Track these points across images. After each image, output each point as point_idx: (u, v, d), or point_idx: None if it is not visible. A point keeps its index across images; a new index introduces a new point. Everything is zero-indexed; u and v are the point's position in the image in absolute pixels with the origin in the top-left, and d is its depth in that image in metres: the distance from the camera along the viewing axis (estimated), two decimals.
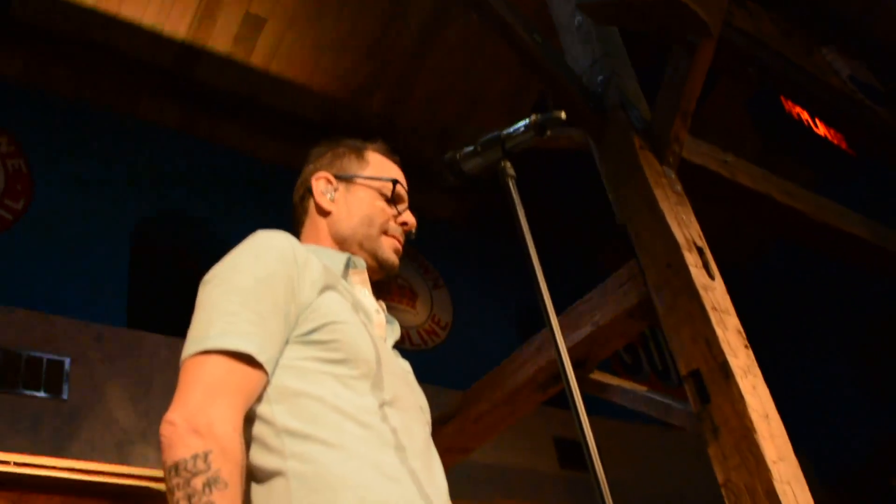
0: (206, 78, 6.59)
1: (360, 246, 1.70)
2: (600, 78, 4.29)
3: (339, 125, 6.97)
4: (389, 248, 1.72)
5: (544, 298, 1.43)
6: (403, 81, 7.05)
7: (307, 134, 6.91)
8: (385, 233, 1.72)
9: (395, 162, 1.85)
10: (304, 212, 1.77)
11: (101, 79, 6.36)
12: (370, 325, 1.54)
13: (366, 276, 1.69)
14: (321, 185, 1.75)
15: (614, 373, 6.91)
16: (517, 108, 7.38)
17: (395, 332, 1.69)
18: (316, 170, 1.79)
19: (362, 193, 1.75)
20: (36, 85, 6.21)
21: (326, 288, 1.47)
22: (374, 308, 1.66)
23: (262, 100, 6.83)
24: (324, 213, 1.73)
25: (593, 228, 8.10)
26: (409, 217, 1.78)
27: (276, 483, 1.31)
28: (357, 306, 1.54)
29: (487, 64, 7.03)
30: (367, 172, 1.78)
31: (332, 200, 1.74)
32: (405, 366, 1.66)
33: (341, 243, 1.71)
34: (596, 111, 4.18)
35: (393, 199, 1.77)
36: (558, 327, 1.40)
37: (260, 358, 1.34)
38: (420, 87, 7.12)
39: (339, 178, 1.77)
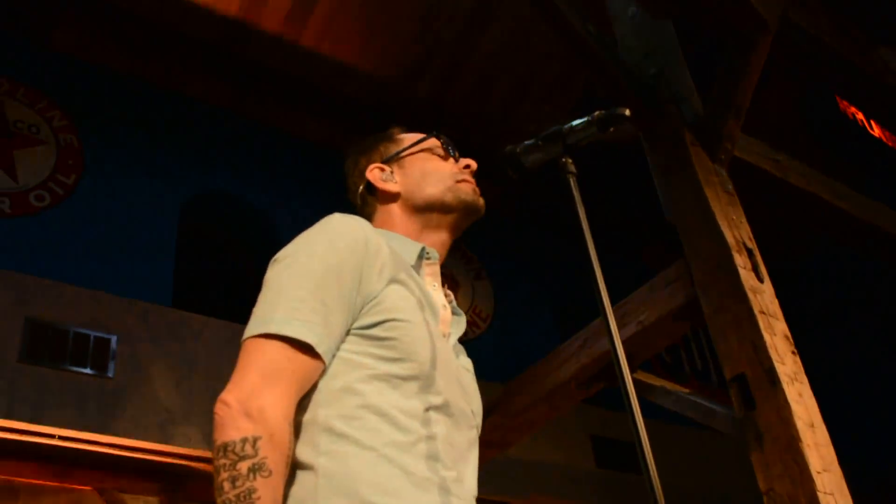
0: (256, 57, 6.61)
1: (444, 201, 1.68)
2: (653, 71, 4.24)
3: (388, 108, 6.96)
4: (470, 191, 1.70)
5: (603, 299, 1.39)
6: (452, 66, 7.01)
7: (356, 115, 6.92)
8: (457, 181, 1.71)
9: (420, 131, 1.84)
10: (372, 209, 1.74)
11: (152, 55, 6.40)
12: (434, 323, 1.51)
13: (437, 268, 1.66)
14: (377, 174, 1.73)
15: (654, 372, 6.87)
16: (565, 97, 7.32)
17: (460, 326, 1.66)
18: (363, 168, 1.77)
19: (416, 162, 1.74)
20: (89, 60, 6.27)
21: (393, 280, 1.45)
22: (442, 303, 1.62)
23: (312, 80, 6.83)
24: (392, 197, 1.71)
25: (637, 224, 8.04)
26: (467, 160, 1.76)
27: (305, 476, 1.30)
28: (424, 302, 1.51)
29: (536, 52, 6.98)
30: (407, 144, 1.78)
31: (396, 182, 1.72)
32: (466, 364, 1.62)
33: (429, 212, 1.68)
34: (647, 105, 4.13)
35: (444, 154, 1.76)
36: (616, 329, 1.37)
37: (320, 349, 1.33)
38: (468, 72, 7.08)
39: (386, 161, 1.75)
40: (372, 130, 1.86)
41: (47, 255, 5.21)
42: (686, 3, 4.07)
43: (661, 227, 4.01)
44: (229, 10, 6.34)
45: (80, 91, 6.10)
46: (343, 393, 1.36)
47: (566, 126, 1.55)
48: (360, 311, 1.41)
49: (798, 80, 5.45)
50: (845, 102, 5.14)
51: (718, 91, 4.02)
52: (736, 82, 3.96)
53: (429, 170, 1.72)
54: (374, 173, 1.74)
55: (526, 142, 1.60)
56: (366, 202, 1.76)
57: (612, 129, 1.52)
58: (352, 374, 1.37)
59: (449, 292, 1.70)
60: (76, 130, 5.91)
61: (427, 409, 1.40)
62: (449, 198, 1.68)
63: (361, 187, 1.76)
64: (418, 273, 1.60)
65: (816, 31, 5.13)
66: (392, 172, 1.74)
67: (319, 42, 6.66)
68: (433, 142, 1.78)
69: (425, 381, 1.41)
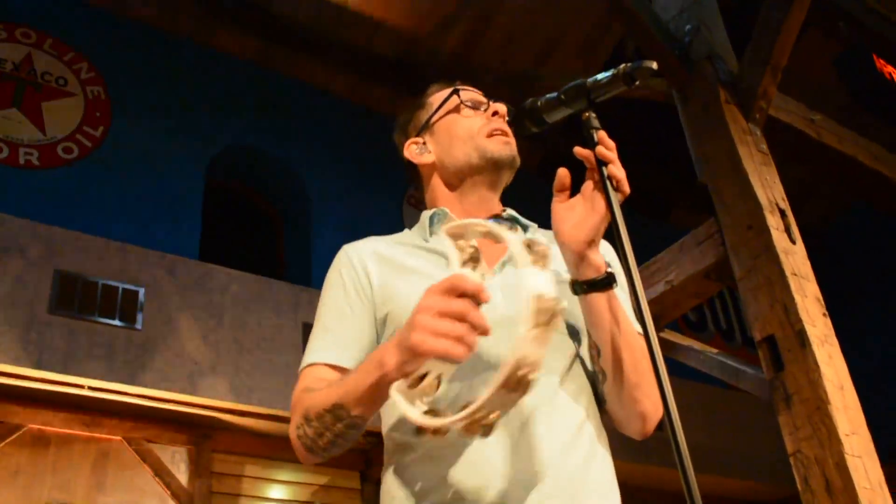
0: (283, 10, 6.56)
1: (471, 163, 1.66)
2: (688, 27, 4.16)
3: (414, 63, 6.89)
4: (498, 144, 1.66)
5: (628, 258, 1.35)
6: (481, 20, 6.92)
7: (382, 70, 6.86)
8: (487, 136, 1.67)
9: (454, 84, 1.80)
10: (420, 185, 1.77)
11: (181, 8, 6.37)
12: (445, 268, 1.48)
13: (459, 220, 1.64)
14: (413, 150, 1.74)
15: (678, 330, 6.83)
16: (595, 53, 7.22)
17: (515, 251, 1.59)
18: (402, 146, 1.78)
19: (444, 125, 1.72)
20: (116, 12, 6.25)
21: (383, 263, 1.55)
22: (465, 246, 1.52)
23: (339, 34, 6.77)
24: (431, 167, 1.72)
25: (666, 184, 7.96)
26: (496, 106, 1.72)
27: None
28: (433, 262, 1.53)
29: (568, 5, 6.87)
30: (434, 108, 1.76)
31: (430, 152, 1.72)
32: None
33: (461, 176, 1.68)
34: (681, 61, 4.06)
35: (470, 106, 1.72)
36: (642, 288, 1.33)
37: (338, 361, 1.48)
38: (497, 26, 6.98)
39: (419, 134, 1.75)
40: (399, 85, 1.83)
41: (75, 208, 5.23)
42: None
43: (691, 189, 3.95)
44: None
45: (107, 43, 6.08)
46: None
47: (590, 80, 1.47)
48: (376, 305, 1.52)
49: (834, 37, 5.33)
50: (882, 61, 5.02)
51: (754, 48, 3.94)
52: (773, 39, 3.88)
53: (455, 132, 1.70)
54: (410, 150, 1.75)
55: (548, 95, 1.53)
56: (415, 180, 1.78)
57: (637, 84, 1.45)
58: None
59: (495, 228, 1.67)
60: (104, 83, 5.90)
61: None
62: (475, 158, 1.66)
63: (409, 167, 1.77)
64: (434, 237, 1.62)
65: None
66: (425, 143, 1.74)
67: None
68: (453, 100, 1.74)
69: None
